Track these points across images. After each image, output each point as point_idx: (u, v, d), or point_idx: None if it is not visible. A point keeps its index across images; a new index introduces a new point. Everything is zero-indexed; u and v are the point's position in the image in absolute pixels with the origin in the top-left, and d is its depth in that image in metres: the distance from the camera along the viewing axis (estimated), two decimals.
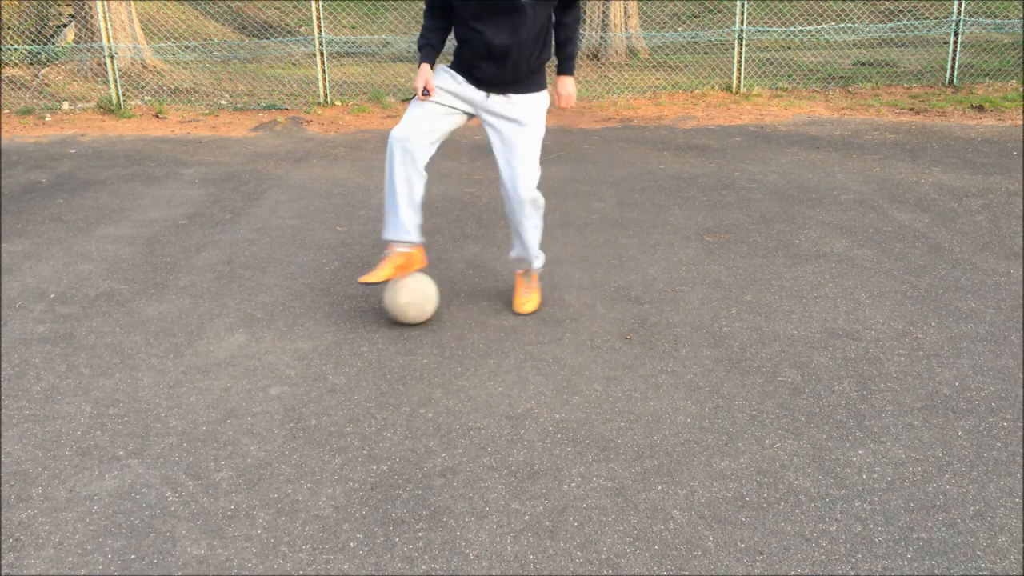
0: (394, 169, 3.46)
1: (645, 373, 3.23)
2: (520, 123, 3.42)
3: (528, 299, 3.81)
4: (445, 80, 3.40)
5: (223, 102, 9.80)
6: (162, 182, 6.37)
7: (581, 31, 3.81)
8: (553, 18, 3.39)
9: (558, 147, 7.19)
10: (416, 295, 3.60)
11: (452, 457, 2.71)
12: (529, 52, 3.32)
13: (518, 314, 3.75)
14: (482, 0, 3.21)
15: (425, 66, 3.38)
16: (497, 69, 3.33)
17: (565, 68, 3.52)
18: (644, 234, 4.84)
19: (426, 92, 3.37)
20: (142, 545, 2.33)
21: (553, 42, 3.44)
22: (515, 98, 3.41)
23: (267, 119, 8.87)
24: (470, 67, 3.37)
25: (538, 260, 3.76)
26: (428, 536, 2.34)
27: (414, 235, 3.57)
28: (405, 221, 3.53)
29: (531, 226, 3.60)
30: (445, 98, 3.40)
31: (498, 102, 3.41)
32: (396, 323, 3.68)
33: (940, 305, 3.77)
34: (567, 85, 3.52)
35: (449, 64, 3.45)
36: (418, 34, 3.52)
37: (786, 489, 2.51)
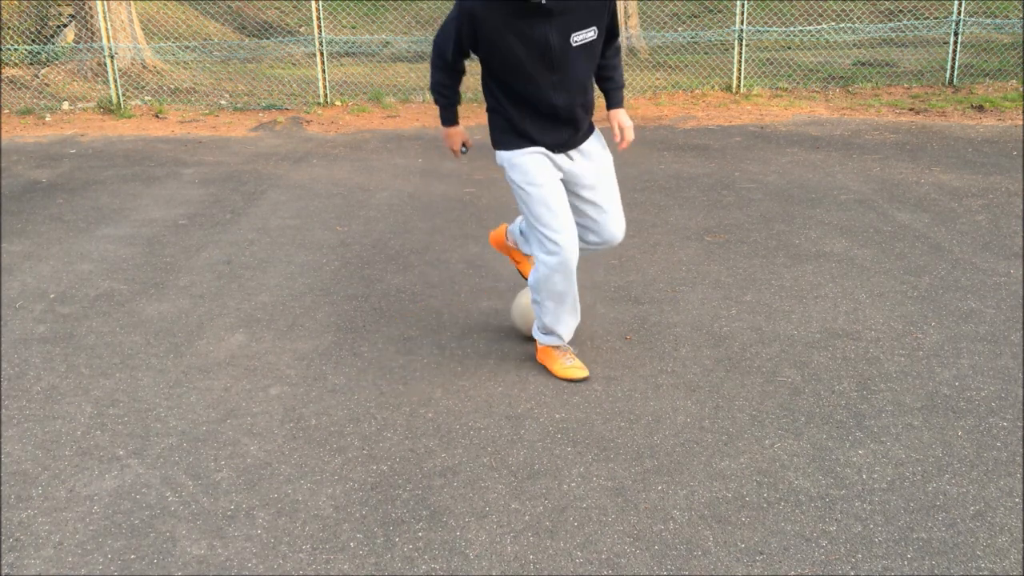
0: (556, 284, 3.05)
1: (645, 373, 3.22)
2: (601, 169, 3.11)
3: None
4: (545, 167, 3.01)
5: (223, 102, 9.80)
6: (162, 182, 6.37)
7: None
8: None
9: None
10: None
11: (452, 457, 2.71)
12: (585, 97, 3.01)
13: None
14: (530, 49, 2.83)
15: (453, 129, 3.17)
16: (568, 130, 3.01)
17: (617, 100, 3.16)
18: (644, 234, 4.84)
19: (464, 148, 3.21)
20: (142, 545, 2.33)
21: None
22: (585, 147, 3.09)
23: (267, 119, 8.87)
24: (534, 135, 2.99)
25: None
26: (428, 536, 2.34)
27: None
28: (567, 322, 3.19)
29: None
30: (558, 185, 3.04)
31: (581, 164, 3.08)
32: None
33: (940, 305, 3.77)
34: (625, 117, 3.17)
35: (513, 143, 3.02)
36: (432, 85, 3.14)
37: (786, 489, 2.51)
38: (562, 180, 3.08)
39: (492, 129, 3.08)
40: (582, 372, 3.18)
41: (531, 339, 3.47)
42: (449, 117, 3.16)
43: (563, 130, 3.00)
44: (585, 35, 2.85)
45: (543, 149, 3.02)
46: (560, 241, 2.96)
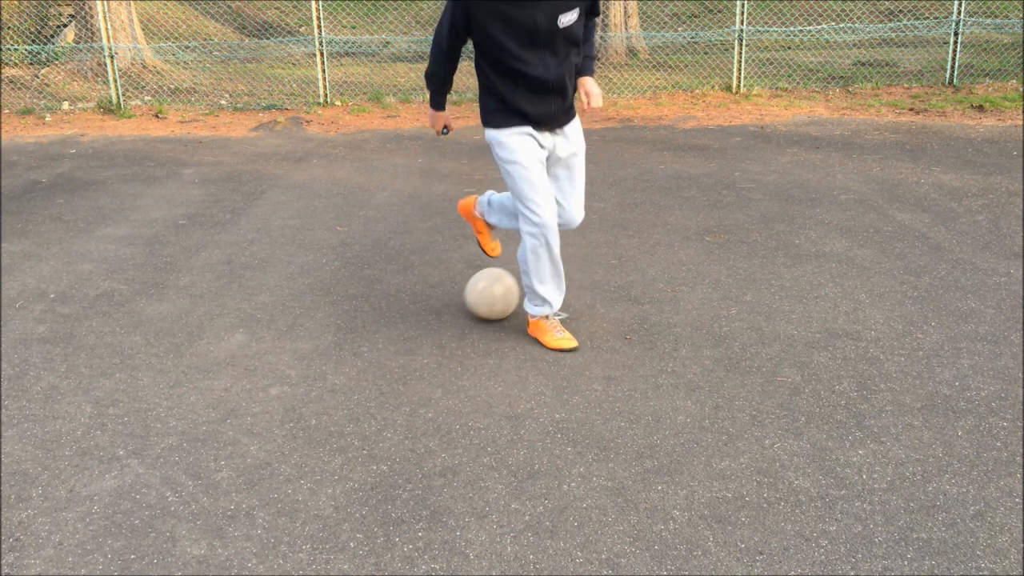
0: (552, 253, 3.33)
1: (645, 373, 3.23)
2: (576, 152, 3.37)
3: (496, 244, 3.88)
4: (531, 148, 3.23)
5: (223, 102, 9.80)
6: (162, 182, 6.37)
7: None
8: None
9: None
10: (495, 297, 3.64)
11: (452, 457, 2.71)
12: (571, 69, 3.22)
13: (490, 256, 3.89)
14: (519, 31, 3.05)
15: (439, 113, 3.44)
16: (559, 103, 3.22)
17: (588, 68, 3.37)
18: (644, 234, 4.84)
19: (446, 130, 3.47)
20: (142, 545, 2.33)
21: None
22: (567, 130, 3.33)
23: (267, 119, 8.87)
24: (525, 109, 3.18)
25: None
26: (428, 536, 2.34)
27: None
28: (556, 292, 3.47)
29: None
30: (540, 165, 3.27)
31: (561, 143, 3.32)
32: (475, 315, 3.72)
33: (940, 305, 3.77)
34: (593, 85, 3.36)
35: (502, 122, 3.22)
36: (426, 71, 3.37)
37: (786, 489, 2.51)
38: (547, 158, 3.34)
39: (483, 108, 3.28)
40: (571, 342, 3.42)
41: (489, 321, 3.69)
42: (438, 102, 3.44)
43: (552, 101, 3.21)
44: (570, 17, 3.09)
45: (530, 128, 3.24)
46: (542, 214, 3.23)
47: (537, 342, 3.49)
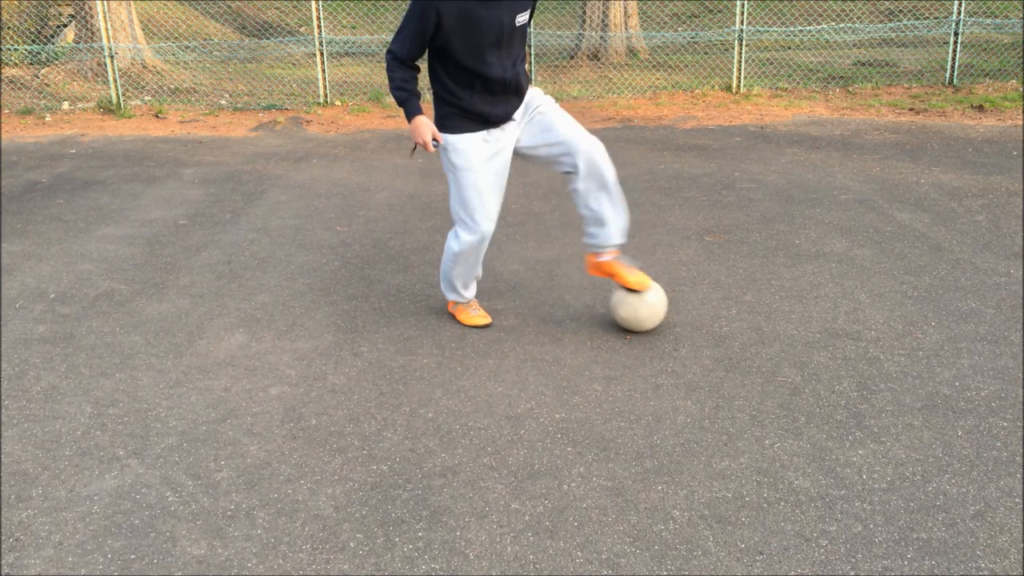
0: (470, 258, 3.49)
1: (645, 373, 3.23)
2: (539, 109, 3.38)
3: (639, 273, 3.50)
4: (485, 156, 3.31)
5: (223, 102, 9.80)
6: (162, 182, 6.37)
7: None
8: None
9: None
10: (652, 308, 3.50)
11: (452, 457, 2.71)
12: (523, 71, 3.36)
13: (637, 291, 3.45)
14: (486, 31, 3.12)
15: (423, 118, 3.26)
16: (515, 101, 3.32)
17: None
18: (644, 234, 4.83)
19: (436, 143, 3.30)
20: (142, 545, 2.33)
21: None
22: (522, 104, 3.40)
23: (267, 119, 8.87)
24: (484, 112, 3.27)
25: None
26: (428, 536, 2.34)
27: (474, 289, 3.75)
28: (472, 284, 3.68)
29: (616, 184, 3.43)
30: (500, 172, 3.36)
31: (518, 123, 3.38)
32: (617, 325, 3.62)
33: (940, 305, 3.77)
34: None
35: (459, 127, 3.29)
36: (394, 85, 3.29)
37: (786, 489, 2.51)
38: (519, 137, 3.39)
39: (438, 114, 3.34)
40: (485, 320, 3.66)
41: (627, 331, 3.59)
42: (416, 107, 3.31)
43: (510, 100, 3.31)
44: (524, 17, 3.23)
45: (485, 133, 3.31)
46: (481, 223, 3.35)
47: (537, 343, 3.49)
